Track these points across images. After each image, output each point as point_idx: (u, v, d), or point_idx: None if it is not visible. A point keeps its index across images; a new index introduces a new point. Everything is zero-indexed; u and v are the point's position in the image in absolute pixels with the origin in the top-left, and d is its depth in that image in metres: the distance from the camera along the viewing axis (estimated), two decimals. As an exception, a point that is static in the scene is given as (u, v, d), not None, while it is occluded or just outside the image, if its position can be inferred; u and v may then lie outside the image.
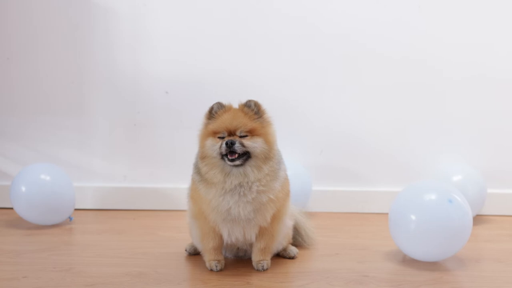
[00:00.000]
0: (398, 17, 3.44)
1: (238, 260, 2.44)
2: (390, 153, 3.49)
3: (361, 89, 3.49)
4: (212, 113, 2.24)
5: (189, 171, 2.38)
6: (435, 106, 3.46)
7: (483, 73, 3.42)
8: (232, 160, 2.14)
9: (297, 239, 2.63)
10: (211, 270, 2.30)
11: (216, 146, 2.17)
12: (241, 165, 2.16)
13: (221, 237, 2.30)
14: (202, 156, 2.22)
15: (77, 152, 3.58)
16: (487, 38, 3.41)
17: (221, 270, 2.31)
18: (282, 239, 2.43)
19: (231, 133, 2.17)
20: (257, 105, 2.23)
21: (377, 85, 3.47)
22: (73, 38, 3.54)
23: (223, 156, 2.16)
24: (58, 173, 3.11)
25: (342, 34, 3.45)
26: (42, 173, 3.07)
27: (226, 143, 2.12)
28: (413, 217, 2.31)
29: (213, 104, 2.25)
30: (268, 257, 2.35)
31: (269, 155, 2.20)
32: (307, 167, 3.38)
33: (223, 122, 2.19)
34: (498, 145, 3.45)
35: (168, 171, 3.54)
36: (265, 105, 2.29)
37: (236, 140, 2.13)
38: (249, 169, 2.17)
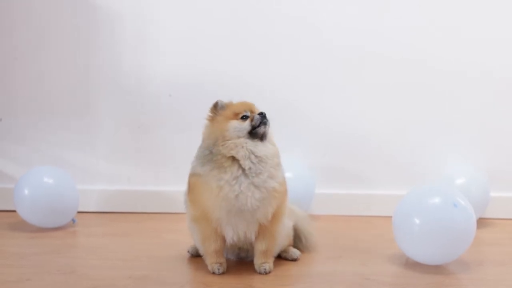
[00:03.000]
0: (399, 17, 3.44)
1: (240, 262, 2.44)
2: (394, 156, 3.48)
3: (363, 90, 3.48)
4: (218, 108, 2.34)
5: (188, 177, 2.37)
6: (439, 107, 3.45)
7: (488, 73, 3.41)
8: (265, 124, 2.28)
9: (297, 243, 2.63)
10: (213, 273, 2.31)
11: (244, 125, 2.28)
12: (263, 138, 2.30)
13: (223, 239, 2.31)
14: (224, 139, 2.27)
15: (81, 154, 3.59)
16: (492, 36, 3.40)
17: (223, 272, 2.31)
18: (282, 239, 2.44)
19: (253, 112, 2.32)
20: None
21: (379, 86, 3.47)
22: (78, 40, 3.55)
23: (252, 130, 2.27)
24: (62, 175, 3.12)
25: (343, 34, 3.45)
26: (46, 175, 3.08)
27: (260, 113, 2.29)
28: (417, 220, 2.30)
29: (217, 100, 2.34)
30: (271, 260, 2.36)
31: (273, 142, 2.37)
32: (310, 170, 3.38)
33: (243, 104, 2.35)
34: (503, 147, 3.44)
35: (172, 174, 3.54)
36: (267, 106, 2.39)
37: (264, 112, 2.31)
38: (268, 144, 2.31)
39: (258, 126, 2.27)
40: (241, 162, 2.22)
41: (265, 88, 3.42)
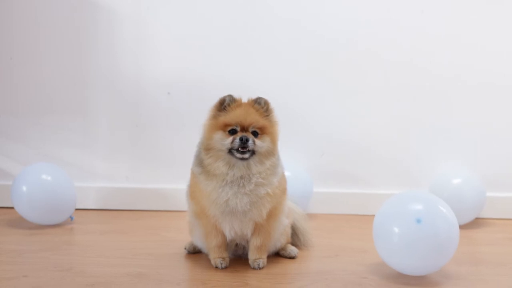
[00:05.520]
0: (400, 21, 3.44)
1: (238, 260, 2.44)
2: (390, 156, 3.49)
3: (362, 91, 3.49)
4: (223, 105, 2.26)
5: (189, 172, 2.39)
6: (435, 110, 3.46)
7: (484, 77, 3.42)
8: (242, 153, 2.18)
9: (295, 241, 2.64)
10: (216, 267, 2.33)
11: (226, 141, 2.20)
12: (247, 159, 2.20)
13: (223, 234, 2.32)
14: (207, 148, 2.24)
15: (80, 152, 3.59)
16: (489, 42, 3.41)
17: (226, 267, 2.33)
18: (279, 236, 2.45)
19: (244, 129, 2.21)
20: (266, 103, 2.30)
21: (377, 88, 3.48)
22: (76, 39, 3.55)
23: (231, 150, 2.19)
24: (59, 173, 3.12)
25: (343, 38, 3.46)
26: (43, 173, 3.08)
27: (241, 139, 2.17)
28: (396, 229, 2.17)
29: (225, 96, 2.27)
30: (264, 255, 2.37)
31: (273, 153, 2.27)
32: (308, 170, 3.39)
33: (237, 116, 2.22)
34: (499, 148, 3.44)
35: (169, 172, 3.55)
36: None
37: (250, 137, 2.19)
38: (252, 163, 2.22)
39: (236, 149, 2.19)
40: (221, 177, 2.21)
41: (265, 88, 3.37)
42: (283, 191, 2.38)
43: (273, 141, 2.26)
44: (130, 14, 3.52)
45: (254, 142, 2.19)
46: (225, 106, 2.26)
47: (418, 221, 2.13)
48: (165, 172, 3.55)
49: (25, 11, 3.53)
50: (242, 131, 2.21)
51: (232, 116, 2.22)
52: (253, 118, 2.22)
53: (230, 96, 2.27)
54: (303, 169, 3.37)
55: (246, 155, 2.19)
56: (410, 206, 2.20)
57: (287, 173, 2.43)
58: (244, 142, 2.17)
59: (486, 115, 3.44)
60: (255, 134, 2.22)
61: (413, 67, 3.45)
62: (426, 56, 3.44)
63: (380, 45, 3.45)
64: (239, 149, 2.18)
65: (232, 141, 2.18)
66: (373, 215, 3.35)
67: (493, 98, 3.43)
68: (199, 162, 2.28)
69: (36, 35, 3.55)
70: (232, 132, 2.21)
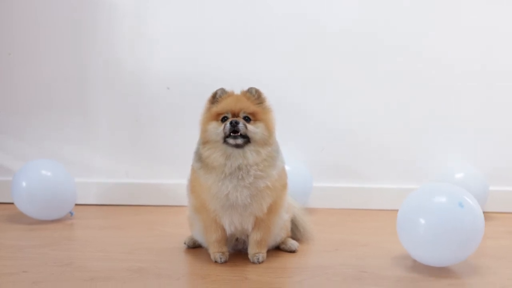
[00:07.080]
0: (402, 14, 3.44)
1: (237, 254, 2.44)
2: (391, 152, 3.49)
3: (362, 86, 3.48)
4: (215, 98, 2.30)
5: (190, 167, 2.39)
6: (437, 104, 3.46)
7: (486, 72, 3.42)
8: (235, 138, 2.18)
9: (295, 234, 2.64)
10: (216, 262, 2.33)
11: (219, 129, 2.22)
12: (241, 146, 2.21)
13: (223, 228, 2.33)
14: (204, 141, 2.26)
15: (80, 148, 3.59)
16: (492, 36, 3.41)
17: (225, 261, 2.33)
18: (279, 231, 2.45)
19: (234, 115, 2.24)
20: (258, 91, 2.32)
21: (379, 83, 3.47)
22: (75, 34, 3.55)
23: (225, 138, 2.20)
24: (59, 168, 3.13)
25: (344, 31, 3.45)
26: (43, 168, 3.09)
27: (231, 123, 2.19)
28: (422, 220, 2.18)
29: (217, 90, 2.31)
30: (264, 250, 2.37)
31: (268, 141, 2.26)
32: (308, 164, 3.39)
33: (227, 104, 2.25)
34: (502, 143, 3.44)
35: (169, 167, 3.55)
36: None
37: (240, 121, 2.20)
38: (248, 152, 2.22)
39: (228, 136, 2.20)
40: (220, 169, 2.22)
41: (264, 83, 3.36)
42: (284, 185, 2.38)
43: (268, 128, 2.26)
44: (130, 12, 3.52)
45: (245, 126, 2.20)
46: (217, 99, 2.29)
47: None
48: (165, 167, 3.54)
49: (23, 6, 3.52)
50: (233, 117, 2.23)
51: (223, 105, 2.26)
52: (243, 104, 2.25)
53: (221, 89, 2.31)
54: (303, 164, 3.36)
55: (239, 140, 2.19)
56: (435, 199, 2.21)
57: (287, 168, 2.43)
58: (234, 125, 2.18)
59: (486, 111, 3.43)
60: (247, 120, 2.23)
61: (413, 66, 3.44)
62: (426, 56, 3.43)
63: (380, 45, 3.45)
64: (231, 134, 2.18)
65: (224, 128, 2.20)
66: (373, 210, 3.42)
67: (493, 96, 3.43)
68: (198, 157, 2.30)
69: (35, 30, 3.54)
70: (224, 119, 2.24)
